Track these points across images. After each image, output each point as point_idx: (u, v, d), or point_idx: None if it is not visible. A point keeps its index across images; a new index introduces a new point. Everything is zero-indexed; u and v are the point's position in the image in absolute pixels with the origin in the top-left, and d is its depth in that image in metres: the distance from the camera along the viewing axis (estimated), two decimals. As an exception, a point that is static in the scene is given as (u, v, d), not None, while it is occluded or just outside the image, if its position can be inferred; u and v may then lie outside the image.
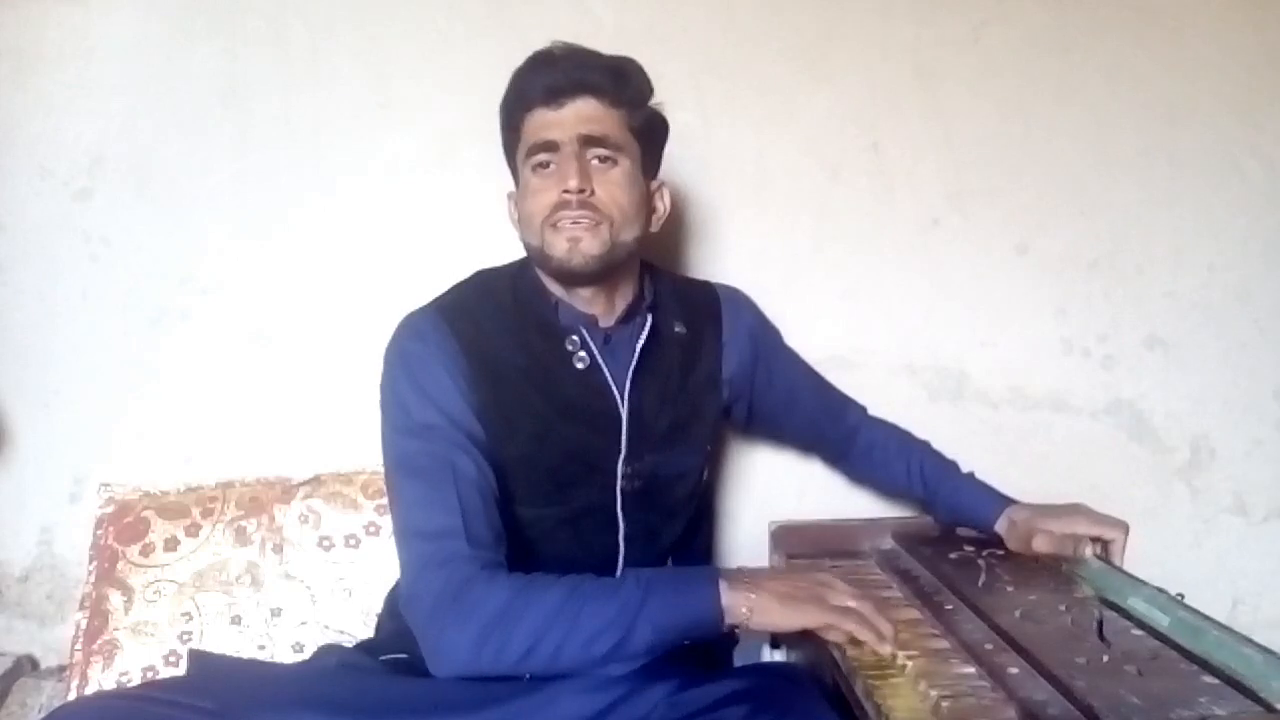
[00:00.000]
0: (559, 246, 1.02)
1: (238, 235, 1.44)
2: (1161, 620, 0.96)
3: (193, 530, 1.32)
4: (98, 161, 1.43)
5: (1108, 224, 1.51)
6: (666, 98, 1.44)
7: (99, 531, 1.33)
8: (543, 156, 1.03)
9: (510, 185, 1.14)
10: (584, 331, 1.07)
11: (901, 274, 1.50)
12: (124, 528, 1.32)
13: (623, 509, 1.08)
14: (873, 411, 1.35)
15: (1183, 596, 0.99)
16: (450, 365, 1.02)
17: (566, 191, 1.01)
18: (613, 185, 1.03)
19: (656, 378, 1.10)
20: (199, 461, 1.42)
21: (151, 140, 1.42)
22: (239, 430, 1.45)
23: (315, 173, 1.44)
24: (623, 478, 1.07)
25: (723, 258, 1.47)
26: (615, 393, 1.07)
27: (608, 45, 1.42)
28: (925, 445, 1.30)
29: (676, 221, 1.47)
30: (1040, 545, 1.15)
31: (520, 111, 1.06)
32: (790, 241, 1.49)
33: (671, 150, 1.45)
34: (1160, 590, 1.01)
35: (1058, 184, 1.50)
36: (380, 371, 1.04)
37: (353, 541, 1.33)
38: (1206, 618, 0.94)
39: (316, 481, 1.36)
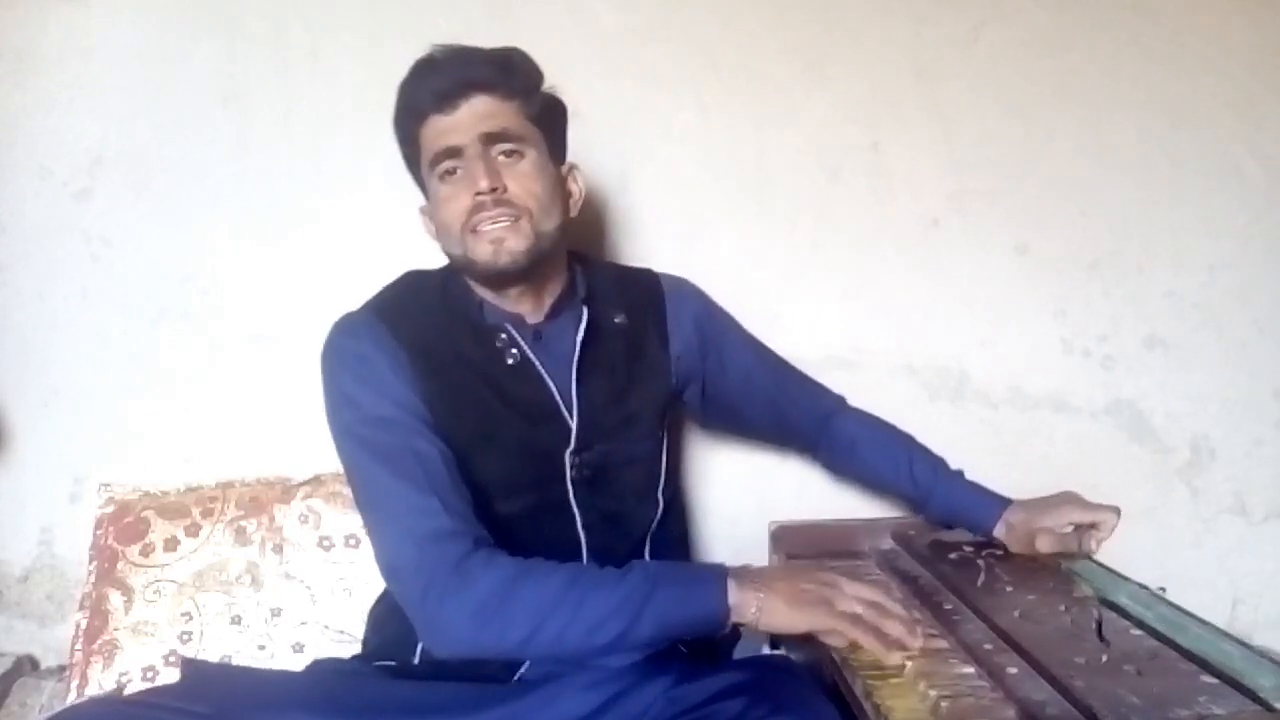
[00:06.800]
0: (482, 250, 1.01)
1: (238, 235, 1.44)
2: (1147, 614, 0.98)
3: (193, 530, 1.32)
4: (98, 161, 1.43)
5: (1108, 224, 1.51)
6: (666, 97, 1.46)
7: (99, 531, 1.33)
8: (448, 164, 1.02)
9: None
10: (511, 329, 1.07)
11: (901, 274, 1.50)
12: (124, 528, 1.32)
13: (576, 499, 1.07)
14: (873, 412, 1.34)
15: (1164, 590, 1.01)
16: (390, 360, 1.01)
17: (479, 193, 0.99)
18: (523, 178, 1.02)
19: (601, 369, 1.09)
20: (199, 461, 1.42)
21: (151, 140, 1.42)
22: (239, 430, 1.45)
23: (315, 173, 1.44)
24: (571, 468, 1.06)
25: (723, 258, 1.47)
26: (552, 385, 1.06)
27: (608, 45, 1.44)
28: (910, 440, 1.27)
29: (676, 221, 1.47)
30: (1044, 547, 1.15)
31: (414, 123, 1.04)
32: (790, 241, 1.49)
33: (672, 150, 1.47)
34: (1142, 586, 1.03)
35: (1058, 184, 1.50)
36: (321, 376, 1.03)
37: (353, 541, 1.33)
38: (1188, 614, 0.96)
39: (316, 481, 1.36)
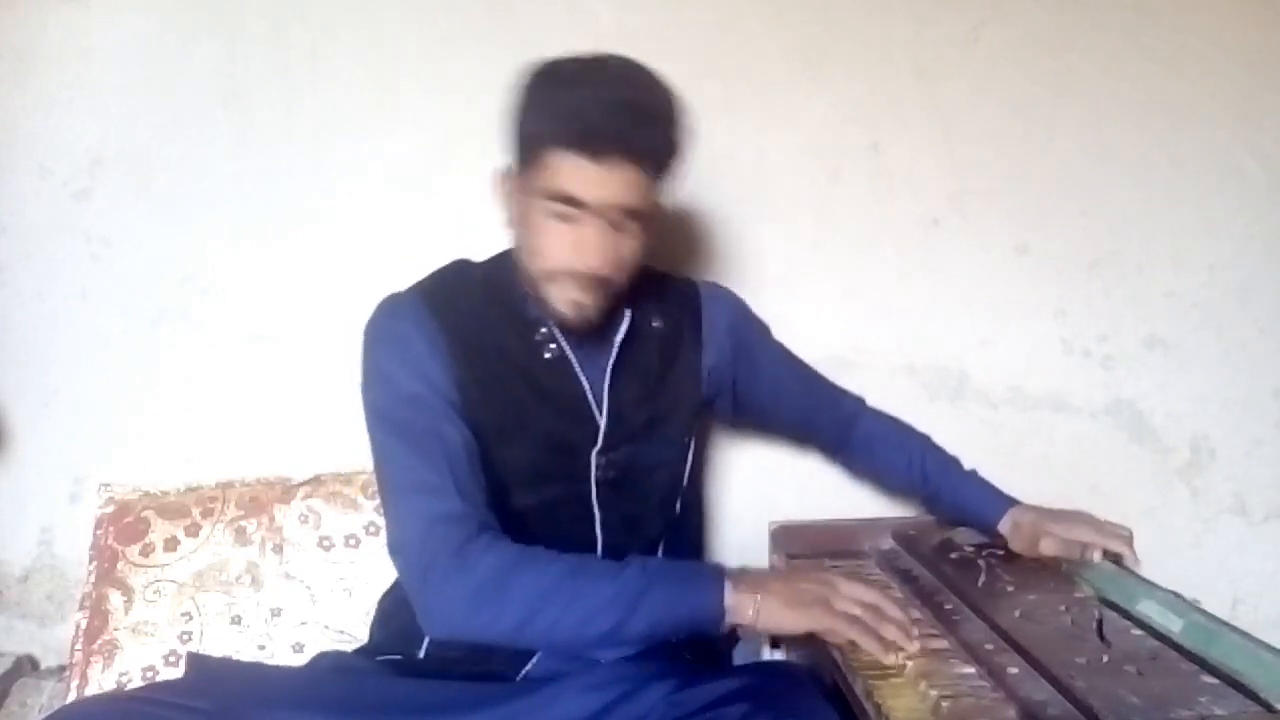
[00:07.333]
0: (559, 301, 1.01)
1: (238, 235, 1.44)
2: (1174, 625, 0.95)
3: (193, 530, 1.32)
4: (98, 161, 1.43)
5: (1108, 224, 1.51)
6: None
7: (99, 531, 1.33)
8: (564, 209, 0.96)
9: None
10: (552, 324, 1.06)
11: (901, 274, 1.50)
12: (124, 528, 1.32)
13: (598, 498, 1.08)
14: (874, 412, 1.35)
15: (1198, 602, 0.98)
16: (429, 342, 1.02)
17: (585, 264, 0.97)
18: (626, 248, 0.99)
19: (635, 372, 1.10)
20: (199, 461, 1.42)
21: (151, 140, 1.42)
22: (239, 430, 1.45)
23: (315, 173, 1.44)
24: (597, 468, 1.07)
25: (723, 258, 1.47)
26: (584, 382, 1.07)
27: (608, 45, 1.43)
28: (926, 439, 1.30)
29: (677, 222, 1.47)
30: (1047, 548, 1.15)
31: (547, 141, 0.94)
32: (790, 241, 1.49)
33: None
34: (1175, 594, 1.00)
35: (1058, 184, 1.50)
36: (361, 351, 1.04)
37: (353, 541, 1.33)
38: (1220, 621, 0.93)
39: (316, 481, 1.36)
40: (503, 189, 1.05)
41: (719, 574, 0.91)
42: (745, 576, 0.92)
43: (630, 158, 0.94)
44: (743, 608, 0.89)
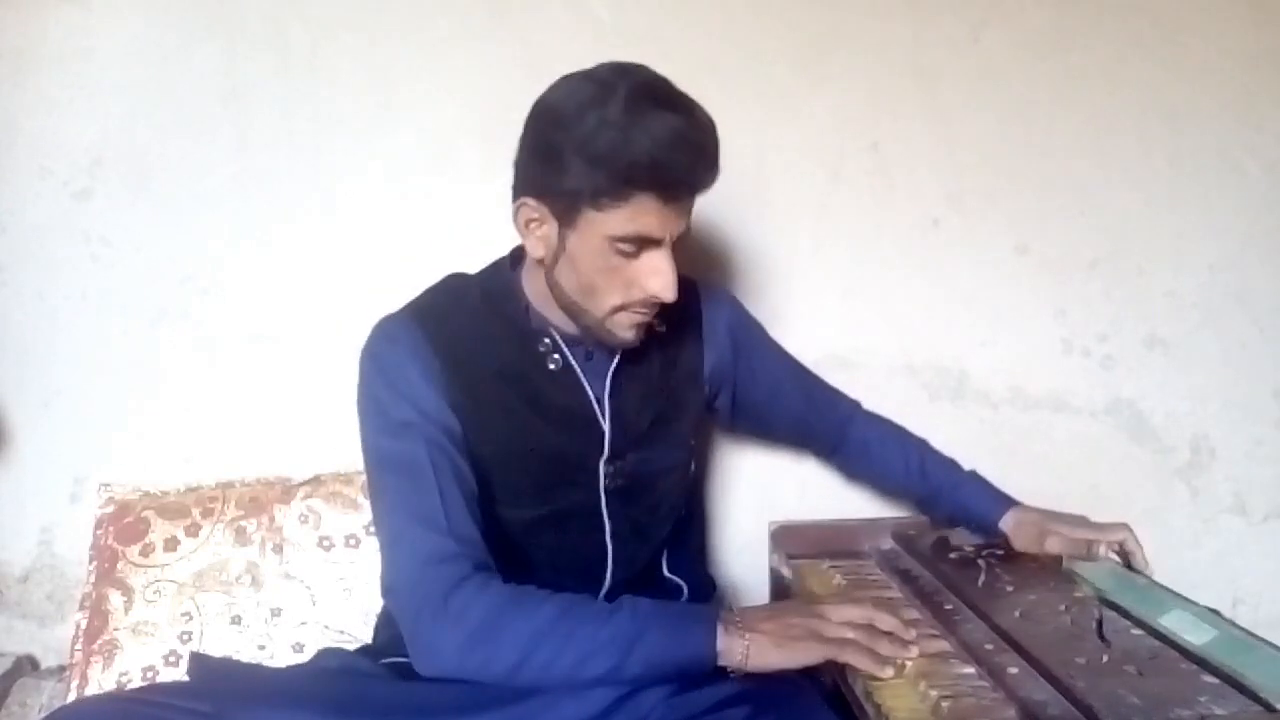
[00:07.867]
0: (625, 328, 1.00)
1: (238, 235, 1.44)
2: (1204, 635, 0.94)
3: (193, 530, 1.32)
4: (98, 161, 1.43)
5: (1108, 224, 1.51)
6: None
7: (99, 531, 1.33)
8: (634, 248, 0.96)
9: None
10: (555, 334, 1.06)
11: (901, 274, 1.50)
12: (124, 528, 1.32)
13: (607, 507, 1.07)
14: (873, 412, 1.34)
15: (1218, 613, 0.98)
16: (423, 366, 1.00)
17: (656, 296, 0.97)
18: (677, 261, 0.99)
19: (637, 377, 1.09)
20: (199, 461, 1.42)
21: (151, 140, 1.42)
22: (239, 430, 1.45)
23: (315, 173, 1.44)
24: (605, 476, 1.07)
25: (723, 258, 1.47)
26: (590, 393, 1.06)
27: (608, 45, 1.43)
28: (923, 442, 1.30)
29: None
30: (1054, 546, 1.16)
31: (626, 186, 0.92)
32: (790, 241, 1.49)
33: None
34: (1211, 609, 0.99)
35: (1058, 184, 1.50)
36: (356, 378, 1.03)
37: (353, 541, 1.33)
38: (1252, 634, 0.93)
39: (316, 481, 1.36)
40: (534, 224, 1.00)
41: (711, 618, 0.91)
42: (734, 619, 0.91)
43: (695, 193, 0.97)
44: (733, 651, 0.89)
